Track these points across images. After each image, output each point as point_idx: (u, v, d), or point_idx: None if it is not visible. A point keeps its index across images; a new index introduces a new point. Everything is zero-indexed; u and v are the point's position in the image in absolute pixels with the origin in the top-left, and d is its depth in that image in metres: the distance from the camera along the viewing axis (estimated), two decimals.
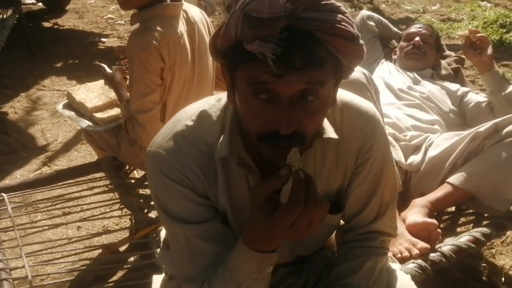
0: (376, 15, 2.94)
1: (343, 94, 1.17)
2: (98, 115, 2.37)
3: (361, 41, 0.99)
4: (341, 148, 1.17)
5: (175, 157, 1.10)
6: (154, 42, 1.96)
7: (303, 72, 0.93)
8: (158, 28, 1.99)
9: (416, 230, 1.80)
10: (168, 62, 2.03)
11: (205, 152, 1.11)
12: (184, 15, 2.13)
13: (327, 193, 1.20)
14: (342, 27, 0.94)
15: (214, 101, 1.16)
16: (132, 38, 2.04)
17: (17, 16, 4.30)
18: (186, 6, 2.17)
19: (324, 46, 0.95)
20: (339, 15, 0.95)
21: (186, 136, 1.11)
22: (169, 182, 1.10)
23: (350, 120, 1.16)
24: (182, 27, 2.09)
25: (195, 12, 2.22)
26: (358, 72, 1.73)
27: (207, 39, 2.22)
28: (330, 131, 1.12)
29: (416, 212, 1.88)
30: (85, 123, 2.35)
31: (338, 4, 0.96)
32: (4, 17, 4.34)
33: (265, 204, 0.99)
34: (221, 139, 1.10)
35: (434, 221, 1.82)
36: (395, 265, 1.38)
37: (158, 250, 1.40)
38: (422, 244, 1.73)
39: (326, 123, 1.11)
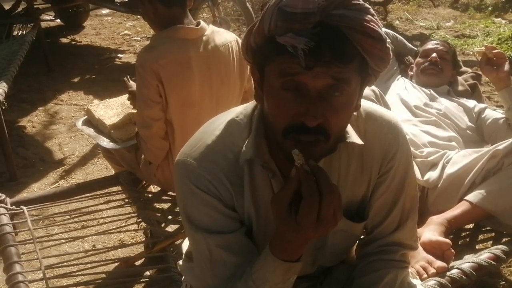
0: (391, 32, 2.96)
1: (366, 104, 1.20)
2: (117, 132, 2.39)
3: (388, 45, 1.01)
4: (365, 156, 1.18)
5: (202, 166, 1.12)
6: (151, 59, 2.02)
7: (331, 66, 0.95)
8: (162, 47, 2.04)
9: (430, 248, 1.78)
10: (166, 81, 2.03)
11: (232, 161, 1.13)
12: (204, 39, 2.11)
13: (351, 202, 1.21)
14: (371, 26, 0.97)
15: (241, 109, 1.19)
16: (138, 54, 2.16)
17: (36, 32, 4.38)
18: (212, 31, 2.14)
19: (352, 45, 0.97)
20: (368, 15, 0.97)
21: (214, 145, 1.13)
22: (196, 190, 1.12)
23: (374, 129, 1.18)
24: (194, 50, 2.07)
25: (221, 38, 2.16)
26: (367, 90, 1.73)
27: (233, 64, 2.18)
28: (353, 136, 1.13)
29: (432, 230, 1.86)
30: (104, 141, 2.36)
31: (367, 5, 0.99)
32: (24, 33, 4.43)
33: (288, 211, 0.99)
34: (246, 142, 1.12)
35: (447, 240, 1.80)
36: (415, 281, 1.38)
37: (180, 262, 1.40)
38: (439, 264, 1.71)
39: (350, 129, 1.13)
